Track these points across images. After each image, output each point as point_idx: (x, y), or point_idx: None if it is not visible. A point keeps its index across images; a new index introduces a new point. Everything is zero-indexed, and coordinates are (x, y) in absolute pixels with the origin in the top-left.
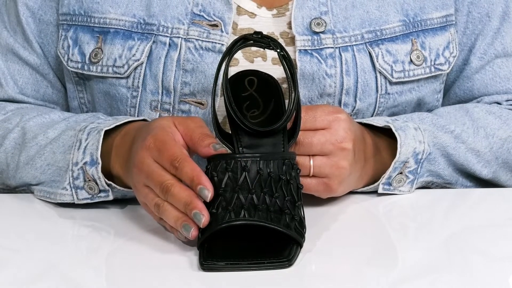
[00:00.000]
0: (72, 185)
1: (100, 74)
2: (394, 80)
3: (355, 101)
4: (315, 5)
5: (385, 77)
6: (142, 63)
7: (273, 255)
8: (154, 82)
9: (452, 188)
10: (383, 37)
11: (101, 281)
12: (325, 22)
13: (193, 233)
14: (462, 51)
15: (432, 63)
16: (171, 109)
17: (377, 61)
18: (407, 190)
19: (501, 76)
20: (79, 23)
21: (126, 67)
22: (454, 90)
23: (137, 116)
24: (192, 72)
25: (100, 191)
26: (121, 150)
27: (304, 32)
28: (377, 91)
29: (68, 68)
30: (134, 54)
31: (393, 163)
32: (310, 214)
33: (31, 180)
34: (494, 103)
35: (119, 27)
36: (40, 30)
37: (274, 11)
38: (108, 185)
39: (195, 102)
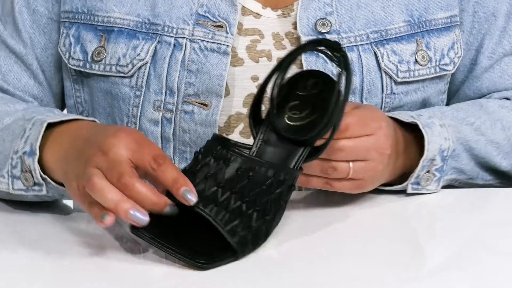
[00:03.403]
0: (9, 174)
1: (103, 73)
2: (399, 80)
3: (361, 100)
4: (320, 6)
5: (391, 77)
6: (146, 63)
7: (199, 252)
8: (158, 82)
9: (473, 183)
10: (388, 37)
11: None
12: (330, 22)
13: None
14: (469, 51)
15: (437, 64)
16: (174, 109)
17: (382, 61)
18: (434, 188)
19: (509, 73)
20: (82, 21)
21: (130, 66)
22: (464, 91)
23: (139, 116)
24: (196, 73)
25: (34, 183)
26: (58, 141)
27: (309, 32)
28: (382, 91)
29: (69, 65)
30: (139, 54)
31: (421, 161)
32: (333, 214)
33: None
34: (504, 98)
35: (123, 26)
36: (32, 20)
37: (279, 12)
38: (43, 179)
39: (199, 103)
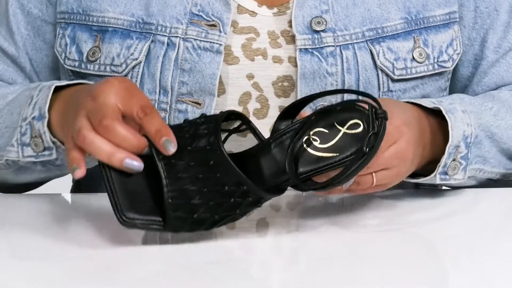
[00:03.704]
0: (19, 142)
1: (98, 73)
2: (395, 77)
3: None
4: (316, 4)
5: (387, 75)
6: (140, 62)
7: (130, 209)
8: (151, 81)
9: (495, 172)
10: (384, 35)
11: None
12: (326, 20)
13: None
14: (472, 46)
15: (435, 60)
16: (168, 108)
17: (378, 59)
18: (461, 177)
19: None
20: (77, 22)
21: (124, 66)
22: (472, 87)
23: None
24: (189, 72)
25: (44, 148)
26: (62, 102)
27: (304, 31)
28: (379, 88)
29: (65, 66)
30: (133, 53)
31: (447, 148)
32: (336, 216)
33: None
34: None
35: (117, 26)
36: (27, 22)
37: (275, 10)
38: (53, 142)
39: (192, 102)
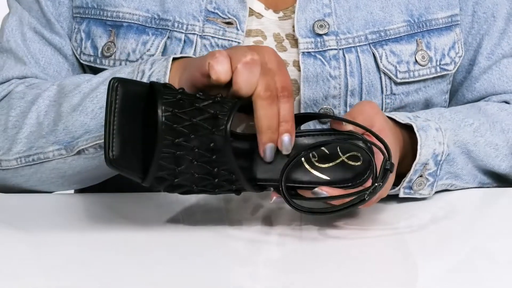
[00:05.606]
0: None
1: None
2: (398, 80)
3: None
4: (318, 7)
5: (390, 78)
6: None
7: (123, 153)
8: None
9: (467, 187)
10: (387, 38)
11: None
12: (328, 24)
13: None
14: (467, 51)
15: (438, 63)
16: None
17: (381, 62)
18: (427, 193)
19: (508, 75)
20: (92, 16)
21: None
22: (462, 92)
23: None
24: None
25: None
26: (181, 68)
27: (307, 34)
28: (382, 92)
29: (81, 61)
30: (149, 49)
31: (413, 165)
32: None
33: (78, 129)
34: (503, 102)
35: (132, 21)
36: (59, 13)
37: (281, 14)
38: None
39: None
